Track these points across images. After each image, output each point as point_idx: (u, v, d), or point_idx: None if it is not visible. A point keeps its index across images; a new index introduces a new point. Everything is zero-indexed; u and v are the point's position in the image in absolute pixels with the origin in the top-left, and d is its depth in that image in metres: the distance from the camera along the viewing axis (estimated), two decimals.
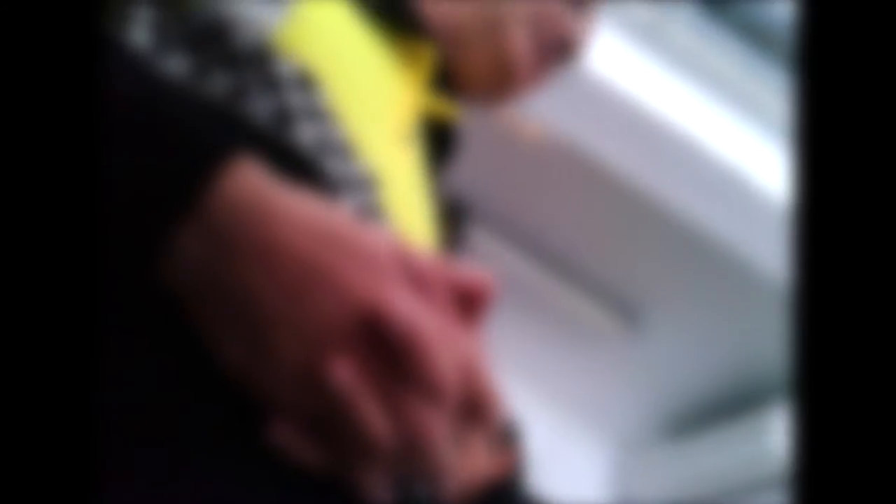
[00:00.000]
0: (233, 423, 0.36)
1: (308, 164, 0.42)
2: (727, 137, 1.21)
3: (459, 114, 0.67)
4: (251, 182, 0.36)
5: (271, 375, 0.35)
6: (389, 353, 0.35)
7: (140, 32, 0.47)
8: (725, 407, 1.42)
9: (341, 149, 0.48)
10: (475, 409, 0.37)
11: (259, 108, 0.46)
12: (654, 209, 1.23)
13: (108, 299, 0.36)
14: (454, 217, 0.64)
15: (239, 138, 0.39)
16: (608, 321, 1.40)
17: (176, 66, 0.46)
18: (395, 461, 0.36)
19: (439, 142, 0.66)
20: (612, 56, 1.18)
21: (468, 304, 0.38)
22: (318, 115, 0.48)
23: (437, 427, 0.36)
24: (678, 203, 1.22)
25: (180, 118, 0.38)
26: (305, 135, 0.47)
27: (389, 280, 0.36)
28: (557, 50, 0.70)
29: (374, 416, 0.35)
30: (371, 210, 0.48)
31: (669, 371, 1.47)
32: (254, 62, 0.47)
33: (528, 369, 1.47)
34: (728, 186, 1.19)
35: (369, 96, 0.55)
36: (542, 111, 1.16)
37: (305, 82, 0.49)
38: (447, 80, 0.66)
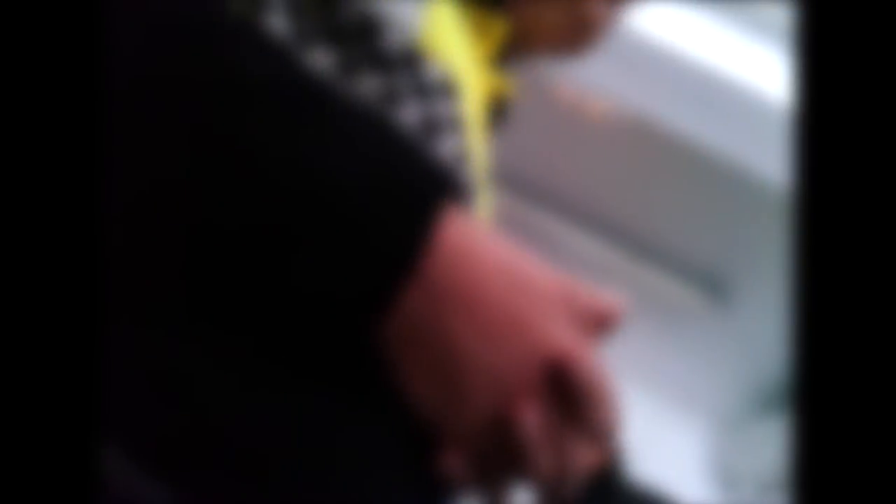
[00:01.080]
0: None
1: (454, 183, 0.42)
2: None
3: (515, 90, 0.65)
4: (460, 232, 0.37)
5: (461, 416, 0.37)
6: (570, 398, 0.37)
7: (277, 19, 0.44)
8: None
9: (465, 158, 0.49)
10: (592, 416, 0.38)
11: (408, 115, 0.46)
12: (734, 178, 1.20)
13: (318, 357, 0.37)
14: None
15: (438, 182, 0.38)
16: (696, 298, 1.37)
17: (320, 59, 0.44)
18: (542, 486, 0.39)
19: (494, 119, 0.65)
20: (667, 18, 1.15)
21: (601, 326, 0.40)
22: (458, 125, 0.48)
23: (588, 462, 0.38)
24: (760, 170, 1.19)
25: (395, 169, 0.37)
26: (445, 146, 0.47)
27: (568, 326, 0.38)
28: None
29: (545, 458, 0.37)
30: (477, 216, 0.49)
31: (763, 345, 1.43)
32: (404, 65, 0.46)
33: (619, 352, 1.45)
34: None
35: (474, 98, 0.55)
36: (601, 86, 1.14)
37: (449, 89, 0.48)
38: (514, 47, 0.64)
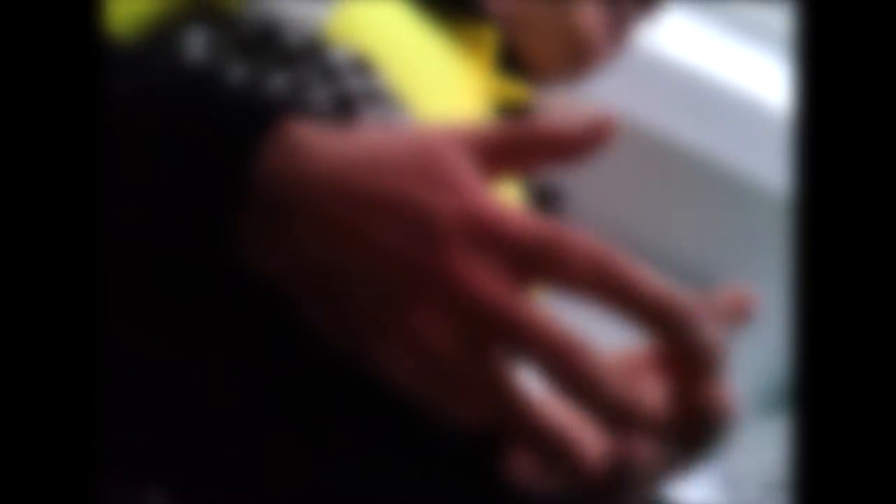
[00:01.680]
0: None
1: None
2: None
3: (532, 96, 0.65)
4: (292, 139, 0.36)
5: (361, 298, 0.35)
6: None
7: (196, 52, 0.47)
8: None
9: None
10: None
11: (319, 97, 0.46)
12: (727, 180, 1.21)
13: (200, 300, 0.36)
14: (546, 202, 0.62)
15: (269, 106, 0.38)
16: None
17: (234, 74, 0.46)
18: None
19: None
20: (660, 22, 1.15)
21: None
22: (380, 98, 0.48)
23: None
24: (754, 172, 1.19)
25: (207, 107, 0.38)
26: (368, 119, 0.47)
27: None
28: (635, 7, 0.66)
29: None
30: None
31: (760, 346, 1.43)
32: (308, 55, 0.48)
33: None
34: None
35: (434, 82, 0.55)
36: (593, 91, 1.14)
37: (363, 67, 0.49)
38: (515, 62, 0.64)
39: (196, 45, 0.48)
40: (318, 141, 0.36)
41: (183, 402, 0.36)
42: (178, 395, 0.36)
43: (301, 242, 0.35)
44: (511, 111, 0.64)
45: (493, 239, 0.34)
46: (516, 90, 0.64)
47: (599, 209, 1.38)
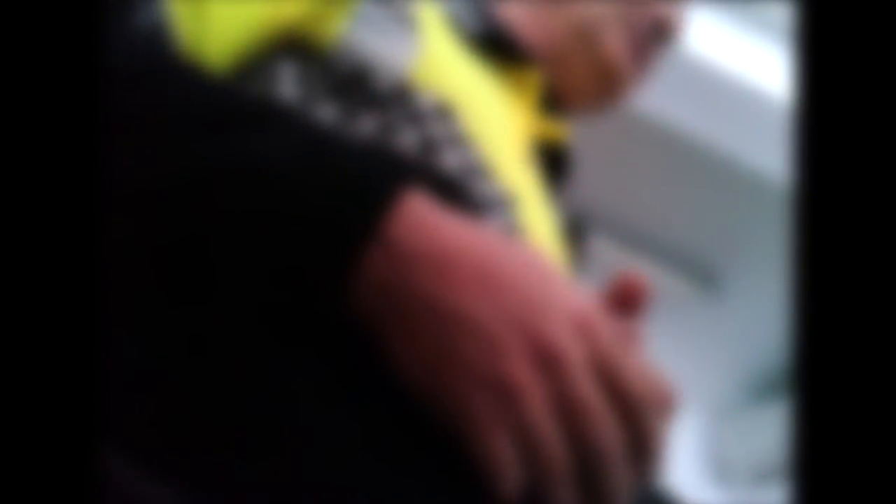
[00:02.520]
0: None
1: (458, 188, 0.44)
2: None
3: (569, 134, 0.67)
4: (423, 208, 0.38)
5: (455, 376, 0.36)
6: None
7: (287, 87, 0.48)
8: None
9: (482, 172, 0.50)
10: None
11: (406, 140, 0.48)
12: (725, 169, 1.21)
13: (291, 335, 0.37)
14: (576, 232, 0.65)
15: (397, 170, 0.40)
16: (688, 288, 1.37)
17: (324, 114, 0.48)
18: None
19: (553, 163, 0.66)
20: None
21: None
22: (460, 141, 0.50)
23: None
24: (752, 162, 1.19)
25: (343, 158, 0.39)
26: (450, 161, 0.49)
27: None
28: (655, 36, 0.69)
29: (550, 427, 0.36)
30: (513, 229, 0.50)
31: (755, 335, 1.44)
32: (396, 100, 0.49)
33: None
34: None
35: (495, 122, 0.56)
36: None
37: (444, 112, 0.51)
38: (554, 99, 0.66)
39: (287, 81, 0.49)
40: (439, 219, 0.38)
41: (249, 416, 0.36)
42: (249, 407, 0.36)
43: (419, 285, 0.37)
44: (550, 148, 0.66)
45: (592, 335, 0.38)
46: (556, 129, 0.66)
47: (605, 200, 1.38)
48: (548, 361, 0.36)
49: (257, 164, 0.38)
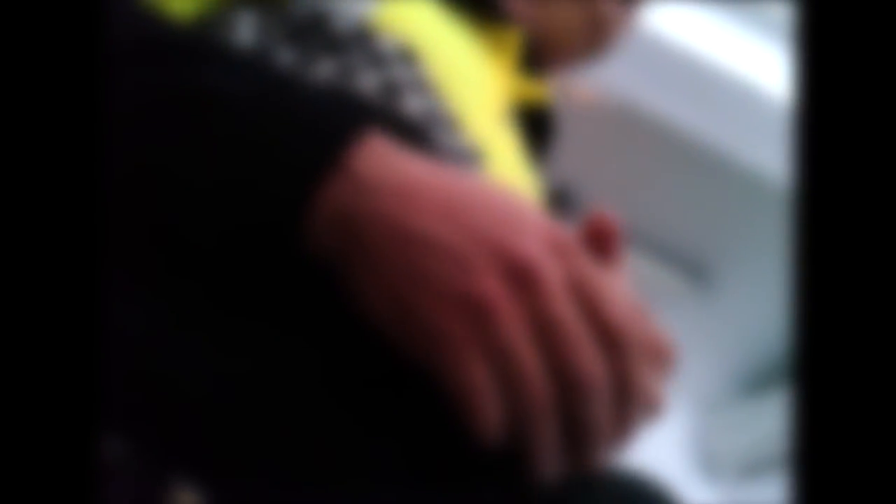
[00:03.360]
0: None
1: (421, 135, 0.42)
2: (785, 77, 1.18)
3: (551, 96, 0.66)
4: (386, 146, 0.37)
5: (425, 300, 0.34)
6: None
7: (245, 34, 0.47)
8: None
9: (448, 121, 0.48)
10: None
11: (366, 83, 0.46)
12: (716, 164, 1.21)
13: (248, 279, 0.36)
14: (562, 205, 0.63)
15: (359, 110, 0.38)
16: (677, 282, 1.38)
17: (282, 59, 0.46)
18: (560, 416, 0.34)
19: (536, 127, 0.65)
20: (661, 10, 1.15)
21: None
22: (424, 87, 0.48)
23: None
24: (743, 157, 1.19)
25: (302, 96, 0.38)
26: (413, 106, 0.47)
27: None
28: None
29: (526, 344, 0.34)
30: None
31: (745, 327, 1.45)
32: (355, 43, 0.47)
33: None
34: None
35: (467, 75, 0.55)
36: (590, 74, 1.14)
37: (407, 56, 0.49)
38: (536, 57, 0.65)
39: (245, 29, 0.48)
40: (401, 156, 0.37)
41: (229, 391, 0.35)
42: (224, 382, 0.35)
43: (383, 215, 0.35)
44: (530, 107, 0.65)
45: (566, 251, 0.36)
46: (535, 89, 0.65)
47: (596, 194, 1.38)
48: (522, 278, 0.34)
49: (211, 94, 0.37)
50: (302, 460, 0.33)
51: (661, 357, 0.38)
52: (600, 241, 0.38)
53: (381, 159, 0.36)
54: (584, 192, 1.26)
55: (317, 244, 0.36)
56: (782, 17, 1.18)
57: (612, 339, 0.35)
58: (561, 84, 1.20)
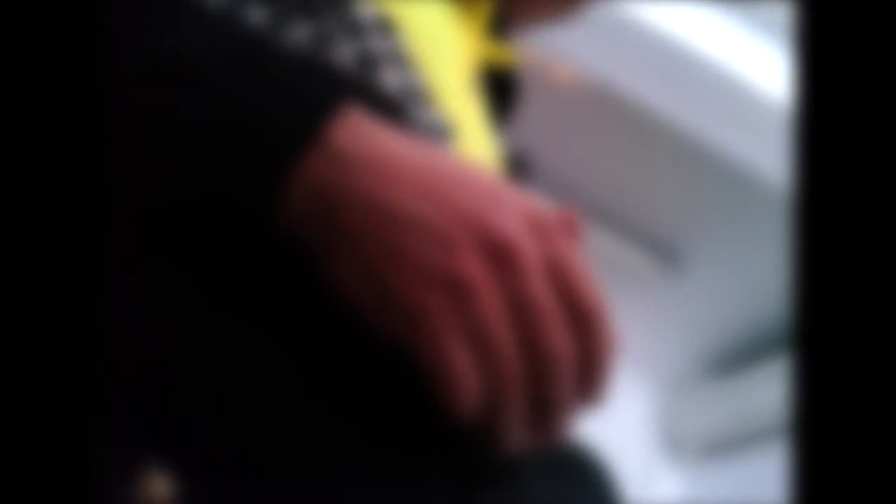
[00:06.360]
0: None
1: (397, 110, 0.41)
2: (765, 69, 1.18)
3: (518, 60, 0.65)
4: (363, 121, 0.36)
5: (402, 277, 0.34)
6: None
7: None
8: (770, 344, 1.41)
9: (423, 96, 0.47)
10: None
11: (343, 53, 0.45)
12: (688, 147, 1.21)
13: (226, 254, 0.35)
14: (516, 170, 0.62)
15: (335, 83, 0.38)
16: (647, 263, 1.38)
17: (254, 18, 0.45)
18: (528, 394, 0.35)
19: (499, 91, 0.64)
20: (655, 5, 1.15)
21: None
22: (401, 60, 0.47)
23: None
24: (713, 139, 1.20)
25: (276, 66, 0.37)
26: (390, 80, 0.46)
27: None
28: None
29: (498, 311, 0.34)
30: None
31: (712, 310, 1.46)
32: (332, 8, 0.46)
33: None
34: (768, 120, 1.16)
35: (441, 44, 0.54)
36: (571, 52, 1.13)
37: (385, 27, 0.48)
38: (504, 17, 0.64)
39: None
40: (379, 132, 0.36)
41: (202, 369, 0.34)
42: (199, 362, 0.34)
43: (360, 193, 0.35)
44: (495, 70, 0.65)
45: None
46: (503, 53, 0.64)
47: (568, 176, 1.38)
48: (500, 256, 0.34)
49: (184, 61, 0.36)
50: (271, 442, 0.33)
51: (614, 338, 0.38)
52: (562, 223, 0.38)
53: (360, 135, 0.36)
54: (554, 167, 1.25)
55: (291, 218, 0.35)
56: (783, 18, 1.18)
57: (583, 319, 0.36)
58: (542, 61, 1.20)
